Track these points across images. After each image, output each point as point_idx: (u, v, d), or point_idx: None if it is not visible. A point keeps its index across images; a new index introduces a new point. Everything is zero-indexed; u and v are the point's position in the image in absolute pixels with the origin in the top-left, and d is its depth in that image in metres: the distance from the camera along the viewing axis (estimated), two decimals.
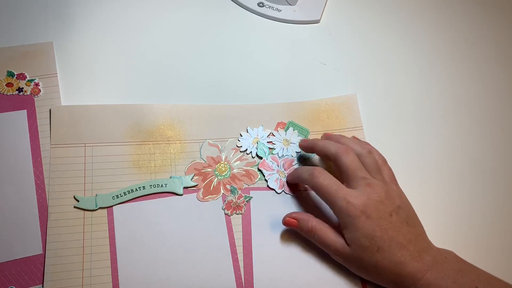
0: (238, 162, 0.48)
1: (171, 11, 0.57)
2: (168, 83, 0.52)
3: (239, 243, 0.45)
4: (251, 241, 0.45)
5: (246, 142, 0.49)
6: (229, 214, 0.46)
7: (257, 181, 0.48)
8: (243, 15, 0.58)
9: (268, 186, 0.48)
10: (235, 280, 0.43)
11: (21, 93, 0.46)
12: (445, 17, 0.61)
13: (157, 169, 0.47)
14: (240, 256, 0.44)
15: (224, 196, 0.47)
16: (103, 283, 0.41)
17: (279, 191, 0.47)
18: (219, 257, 0.44)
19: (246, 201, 0.47)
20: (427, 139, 0.53)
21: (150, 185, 0.46)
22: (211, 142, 0.49)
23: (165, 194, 0.46)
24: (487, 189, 0.50)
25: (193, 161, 0.48)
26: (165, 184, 0.46)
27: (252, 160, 0.49)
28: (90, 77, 0.50)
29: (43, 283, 0.40)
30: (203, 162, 0.48)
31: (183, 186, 0.46)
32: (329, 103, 0.53)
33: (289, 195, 0.47)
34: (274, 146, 0.50)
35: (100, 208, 0.44)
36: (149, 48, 0.54)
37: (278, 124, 0.51)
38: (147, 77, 0.52)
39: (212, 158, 0.48)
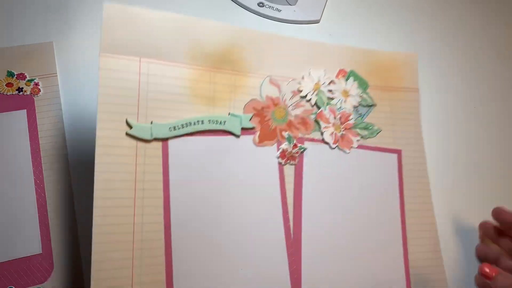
0: (296, 108, 0.45)
1: (171, 11, 0.47)
2: None
3: (290, 193, 0.44)
4: (302, 194, 0.44)
5: (307, 87, 0.46)
6: (283, 163, 0.44)
7: (313, 131, 0.46)
8: (243, 15, 0.54)
9: (323, 139, 0.46)
10: (284, 230, 0.43)
11: (21, 93, 0.45)
12: (445, 17, 0.59)
13: (216, 101, 0.42)
14: (290, 207, 0.44)
15: (279, 143, 0.44)
16: (155, 223, 0.38)
17: (333, 146, 0.46)
18: (269, 205, 0.43)
19: (301, 152, 0.45)
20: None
21: (209, 120, 0.41)
22: (272, 79, 0.45)
23: (222, 133, 0.42)
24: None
25: (253, 98, 0.44)
26: (224, 122, 0.42)
27: (310, 108, 0.46)
28: (90, 77, 0.48)
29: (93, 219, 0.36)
30: (262, 101, 0.44)
31: (241, 126, 0.43)
32: (391, 58, 0.50)
33: (343, 152, 0.46)
34: (334, 95, 0.47)
35: (155, 139, 0.39)
36: None
37: (340, 72, 0.48)
38: None
39: (271, 99, 0.44)
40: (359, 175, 0.46)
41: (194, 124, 0.41)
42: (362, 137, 0.47)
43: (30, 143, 0.44)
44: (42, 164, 0.44)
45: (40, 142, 0.44)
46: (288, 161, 0.44)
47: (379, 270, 0.44)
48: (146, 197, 0.38)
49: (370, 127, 0.48)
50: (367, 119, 0.48)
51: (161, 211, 0.39)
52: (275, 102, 0.44)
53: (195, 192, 0.40)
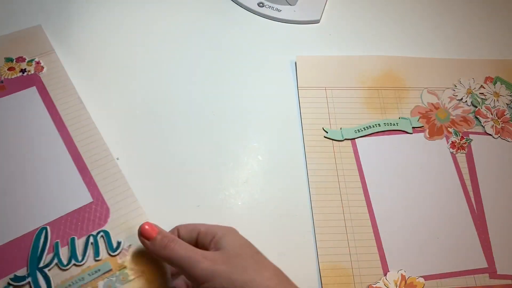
0: (455, 109, 0.54)
1: (172, 11, 0.57)
2: (169, 82, 0.52)
3: (466, 177, 0.50)
4: (477, 176, 0.50)
5: (461, 92, 0.55)
6: (454, 152, 0.51)
7: (474, 126, 0.53)
8: (243, 15, 0.57)
9: (485, 131, 0.53)
10: (468, 206, 0.49)
11: (25, 73, 0.46)
12: (444, 17, 0.62)
13: (386, 110, 0.53)
14: (469, 187, 0.50)
15: (447, 137, 0.52)
16: (357, 200, 0.48)
17: (495, 136, 0.53)
18: (450, 187, 0.49)
19: (468, 142, 0.52)
20: None
21: (384, 123, 0.52)
22: (429, 90, 0.55)
23: (396, 132, 0.52)
24: None
25: (416, 105, 0.54)
26: (397, 123, 0.52)
27: (468, 107, 0.54)
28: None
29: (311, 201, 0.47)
30: (425, 106, 0.54)
31: (412, 126, 0.52)
32: None
33: (506, 141, 0.52)
34: (486, 97, 0.55)
35: (346, 139, 0.51)
36: (150, 47, 0.54)
37: (487, 79, 0.56)
38: (148, 77, 0.52)
39: (432, 104, 0.54)
40: None
41: (373, 126, 0.52)
42: None
43: (50, 115, 0.44)
44: (67, 126, 0.44)
45: (59, 108, 0.45)
46: (459, 150, 0.52)
47: None
48: (347, 181, 0.49)
49: None
50: None
51: (361, 191, 0.49)
52: (436, 106, 0.54)
53: (383, 175, 0.50)
